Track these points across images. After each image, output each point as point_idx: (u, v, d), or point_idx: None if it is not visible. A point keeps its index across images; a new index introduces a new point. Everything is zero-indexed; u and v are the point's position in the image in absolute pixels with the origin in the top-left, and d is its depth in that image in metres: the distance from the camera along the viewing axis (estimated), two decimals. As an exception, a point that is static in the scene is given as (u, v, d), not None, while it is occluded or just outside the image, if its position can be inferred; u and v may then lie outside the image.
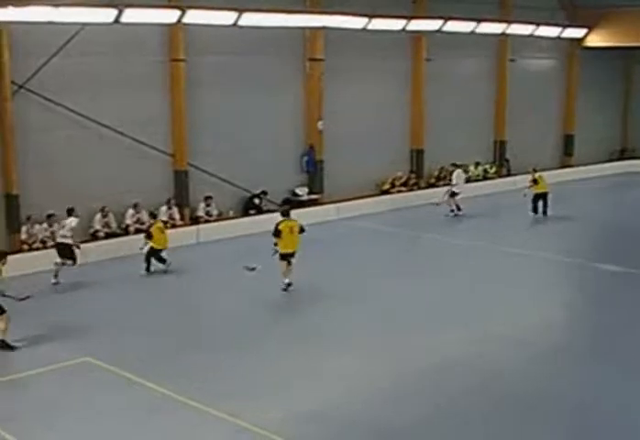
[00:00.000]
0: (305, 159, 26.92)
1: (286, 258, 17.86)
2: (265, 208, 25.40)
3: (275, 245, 17.74)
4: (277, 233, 17.70)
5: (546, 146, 36.39)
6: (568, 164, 37.01)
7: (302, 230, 18.02)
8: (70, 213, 18.86)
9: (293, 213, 18.37)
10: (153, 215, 20.98)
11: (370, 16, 26.40)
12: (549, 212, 26.56)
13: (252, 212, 25.18)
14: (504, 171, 33.89)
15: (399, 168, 29.74)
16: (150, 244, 19.66)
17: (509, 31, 32.25)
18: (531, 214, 26.56)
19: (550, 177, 29.32)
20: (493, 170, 33.22)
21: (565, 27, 34.56)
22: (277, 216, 18.34)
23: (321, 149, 27.16)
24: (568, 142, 37.32)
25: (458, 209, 27.09)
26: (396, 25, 27.72)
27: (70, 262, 18.60)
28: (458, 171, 27.59)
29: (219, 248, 22.48)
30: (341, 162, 27.54)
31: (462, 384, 12.72)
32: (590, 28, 35.44)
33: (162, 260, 19.83)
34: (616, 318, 16.44)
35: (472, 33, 30.33)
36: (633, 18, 33.90)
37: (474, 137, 32.80)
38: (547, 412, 11.61)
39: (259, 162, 25.43)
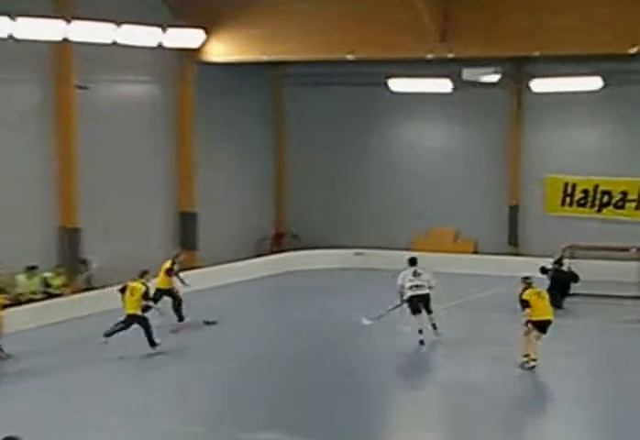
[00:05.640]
0: None
1: None
2: None
3: None
4: None
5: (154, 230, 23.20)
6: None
7: None
8: None
9: None
10: None
11: None
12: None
13: None
14: (82, 282, 19.94)
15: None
16: None
17: (72, 37, 19.82)
18: None
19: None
20: (59, 281, 19.17)
21: (167, 27, 21.54)
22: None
23: None
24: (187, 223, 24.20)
25: None
26: None
27: None
28: None
29: None
30: None
31: None
32: (209, 31, 22.79)
33: None
34: None
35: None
36: (269, 14, 22.26)
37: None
38: None
39: None
